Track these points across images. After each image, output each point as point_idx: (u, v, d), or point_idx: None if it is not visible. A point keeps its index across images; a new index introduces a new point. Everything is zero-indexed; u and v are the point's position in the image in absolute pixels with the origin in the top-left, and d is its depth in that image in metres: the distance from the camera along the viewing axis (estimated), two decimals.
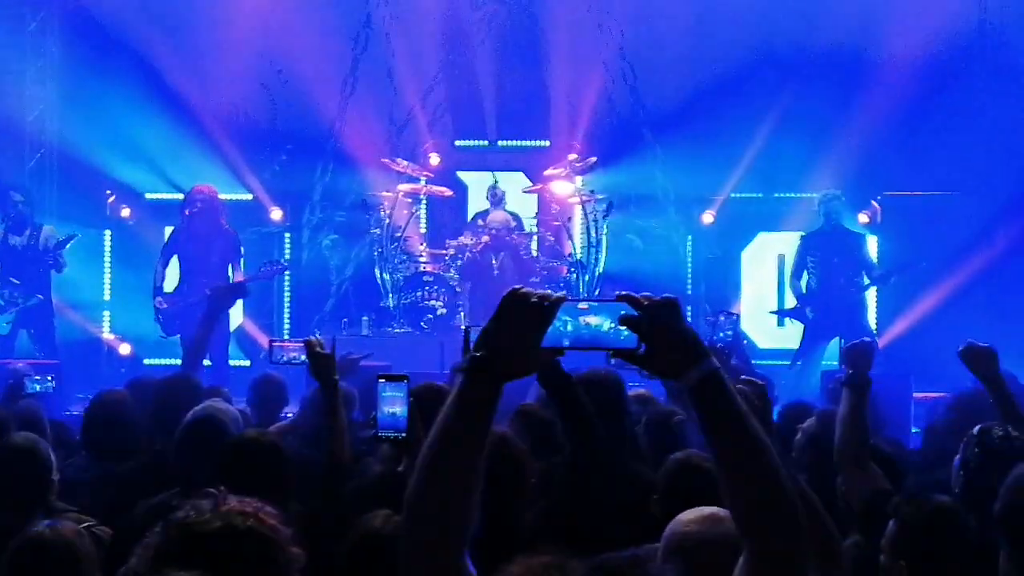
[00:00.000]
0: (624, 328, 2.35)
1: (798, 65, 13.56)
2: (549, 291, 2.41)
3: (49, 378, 6.76)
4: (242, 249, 11.98)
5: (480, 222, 13.27)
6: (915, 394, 9.84)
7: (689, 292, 13.81)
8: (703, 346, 2.37)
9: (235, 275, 11.62)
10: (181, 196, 12.64)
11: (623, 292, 2.39)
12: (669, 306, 2.38)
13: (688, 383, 2.35)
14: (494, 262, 12.61)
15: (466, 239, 12.91)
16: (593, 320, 2.37)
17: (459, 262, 12.76)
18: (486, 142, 14.51)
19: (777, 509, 2.31)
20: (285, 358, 5.48)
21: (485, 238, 12.76)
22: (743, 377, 3.64)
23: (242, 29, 13.61)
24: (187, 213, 11.89)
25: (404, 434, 3.94)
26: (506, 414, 5.48)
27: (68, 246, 12.25)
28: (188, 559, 2.41)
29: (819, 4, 13.51)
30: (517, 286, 2.42)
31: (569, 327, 2.36)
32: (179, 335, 11.64)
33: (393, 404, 3.94)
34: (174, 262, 12.01)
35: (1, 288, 12.22)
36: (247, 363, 13.11)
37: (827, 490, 4.49)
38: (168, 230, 12.47)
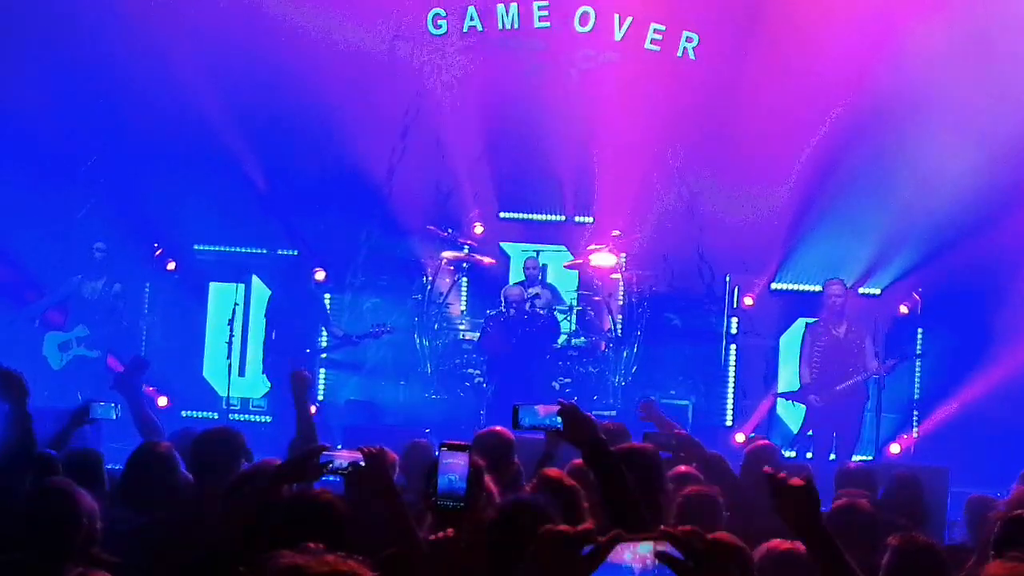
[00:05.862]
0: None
1: (841, 160, 13.60)
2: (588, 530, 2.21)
3: (114, 405, 6.66)
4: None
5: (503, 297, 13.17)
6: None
7: (732, 375, 13.75)
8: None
9: (329, 332, 13.15)
10: (227, 249, 13.26)
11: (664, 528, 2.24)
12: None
13: None
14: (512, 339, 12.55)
15: (491, 312, 12.91)
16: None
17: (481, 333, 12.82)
18: (530, 215, 14.57)
19: None
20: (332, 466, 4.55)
21: (512, 311, 12.73)
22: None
23: (296, 93, 13.80)
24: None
25: (462, 504, 3.95)
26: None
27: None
28: None
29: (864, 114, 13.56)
30: (549, 526, 2.29)
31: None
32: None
33: (452, 472, 3.96)
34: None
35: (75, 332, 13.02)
36: (268, 419, 13.26)
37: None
38: (213, 286, 12.81)
